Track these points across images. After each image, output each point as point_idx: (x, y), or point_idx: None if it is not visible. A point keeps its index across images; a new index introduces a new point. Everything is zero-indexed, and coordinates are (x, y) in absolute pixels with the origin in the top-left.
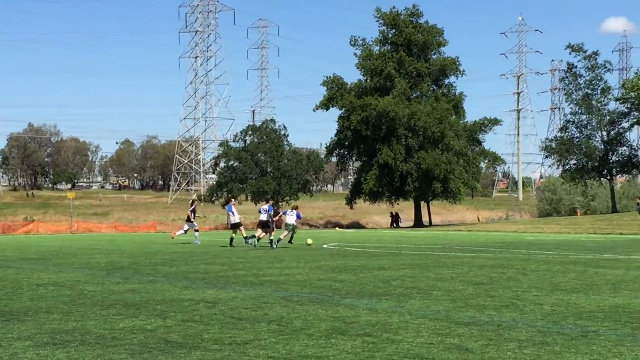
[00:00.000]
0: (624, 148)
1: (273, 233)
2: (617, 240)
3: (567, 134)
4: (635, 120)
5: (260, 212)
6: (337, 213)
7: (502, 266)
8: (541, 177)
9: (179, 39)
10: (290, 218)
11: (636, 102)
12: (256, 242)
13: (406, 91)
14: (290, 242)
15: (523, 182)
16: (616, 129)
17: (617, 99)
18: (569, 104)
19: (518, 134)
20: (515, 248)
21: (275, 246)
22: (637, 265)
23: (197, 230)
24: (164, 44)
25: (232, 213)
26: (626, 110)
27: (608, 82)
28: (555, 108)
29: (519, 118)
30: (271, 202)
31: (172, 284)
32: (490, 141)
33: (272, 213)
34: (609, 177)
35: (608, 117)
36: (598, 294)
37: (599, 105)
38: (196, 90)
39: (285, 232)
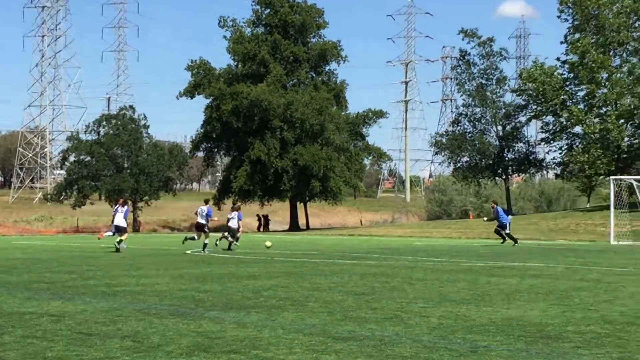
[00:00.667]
0: (521, 144)
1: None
2: (511, 246)
3: (459, 128)
4: (533, 114)
5: (197, 214)
6: None
7: (386, 275)
8: (431, 175)
9: (23, 15)
10: (233, 221)
11: (534, 94)
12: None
13: (282, 78)
14: (229, 248)
15: (411, 181)
16: (512, 124)
17: (513, 90)
18: (462, 95)
19: (406, 128)
20: (401, 254)
21: (206, 251)
22: (532, 273)
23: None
24: (6, 20)
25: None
26: (523, 103)
27: (504, 72)
28: (446, 99)
29: (406, 110)
30: (210, 203)
31: (11, 294)
32: (375, 135)
33: (210, 216)
34: (504, 177)
35: (504, 110)
36: (490, 306)
37: (494, 96)
38: (43, 73)
39: (220, 236)
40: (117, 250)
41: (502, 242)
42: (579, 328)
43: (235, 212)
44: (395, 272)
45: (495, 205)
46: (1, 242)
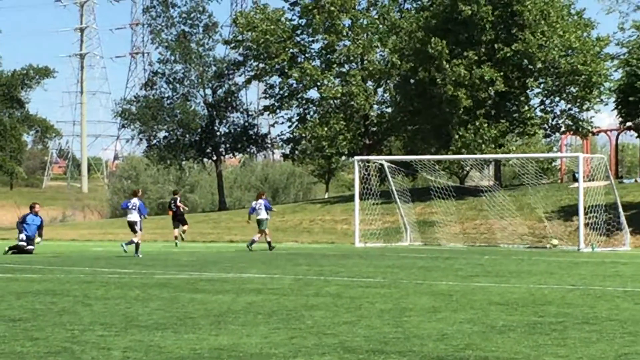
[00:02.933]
0: (237, 114)
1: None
2: (225, 250)
3: (154, 92)
4: (252, 73)
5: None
6: None
7: (52, 292)
8: (117, 157)
9: None
10: (262, 212)
11: (254, 46)
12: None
13: None
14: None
15: (90, 164)
16: (226, 86)
17: (226, 42)
18: (157, 47)
19: (82, 92)
20: (74, 265)
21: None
22: (251, 287)
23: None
24: None
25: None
26: (240, 59)
27: (214, 16)
28: (137, 53)
29: (83, 67)
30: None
31: None
32: (39, 102)
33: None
34: (215, 158)
35: (214, 68)
36: (193, 332)
37: (200, 50)
38: None
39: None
40: None
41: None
42: (311, 359)
43: (262, 201)
44: (65, 289)
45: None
46: None
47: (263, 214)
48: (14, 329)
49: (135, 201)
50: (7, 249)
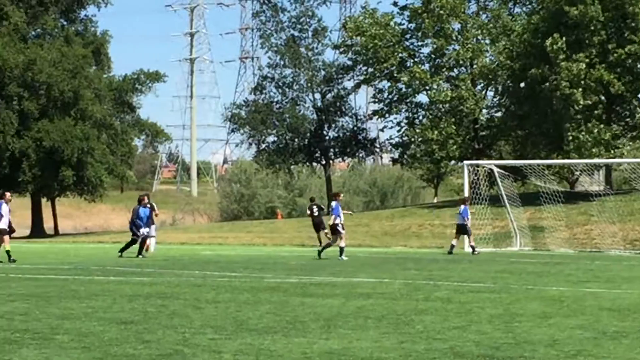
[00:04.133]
0: (346, 119)
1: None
2: (335, 255)
3: (263, 96)
4: (362, 77)
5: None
6: None
7: (163, 296)
8: (226, 161)
9: None
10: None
11: (363, 51)
12: None
13: (21, 27)
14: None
15: (199, 168)
16: (335, 91)
17: (336, 46)
18: (267, 52)
19: (192, 96)
20: (185, 268)
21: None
22: (361, 291)
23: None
24: None
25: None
26: (349, 63)
27: (324, 21)
28: (246, 57)
29: (193, 72)
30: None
31: None
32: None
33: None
34: (324, 162)
35: (323, 73)
36: (304, 335)
37: (309, 54)
38: None
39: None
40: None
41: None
42: None
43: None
44: (176, 292)
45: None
46: None
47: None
48: (126, 332)
49: (333, 204)
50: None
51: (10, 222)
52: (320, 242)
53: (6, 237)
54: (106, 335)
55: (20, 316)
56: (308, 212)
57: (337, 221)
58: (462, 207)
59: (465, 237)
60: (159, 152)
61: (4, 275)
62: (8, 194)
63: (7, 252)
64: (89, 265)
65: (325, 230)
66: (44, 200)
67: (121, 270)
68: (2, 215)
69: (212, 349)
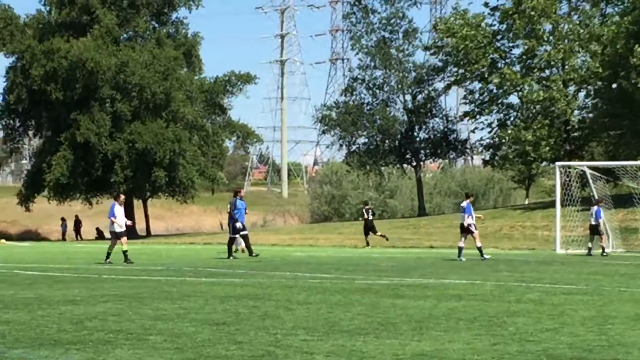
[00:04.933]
0: (437, 120)
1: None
2: (426, 256)
3: (354, 98)
4: (452, 78)
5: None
6: (4, 217)
7: (255, 297)
8: (316, 163)
9: None
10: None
11: (454, 52)
12: None
13: (113, 30)
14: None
15: (290, 170)
16: (426, 92)
17: (426, 48)
18: (357, 54)
19: (282, 98)
20: (276, 269)
21: None
22: (452, 293)
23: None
24: None
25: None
26: (440, 65)
27: (414, 22)
28: (337, 59)
29: (283, 73)
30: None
31: None
32: (241, 108)
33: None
34: (414, 164)
35: (414, 74)
36: (395, 337)
37: (400, 55)
38: None
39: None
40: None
41: None
42: None
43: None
44: (268, 294)
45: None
46: None
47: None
48: (218, 333)
49: (464, 204)
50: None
51: (126, 222)
52: (367, 244)
53: (124, 238)
54: (199, 336)
55: (114, 317)
56: (365, 215)
57: (470, 221)
58: (596, 208)
59: (597, 237)
60: (250, 154)
61: (97, 276)
62: (122, 196)
63: (124, 252)
64: (181, 266)
65: (378, 234)
66: (136, 202)
67: (213, 271)
68: (115, 217)
69: (304, 351)
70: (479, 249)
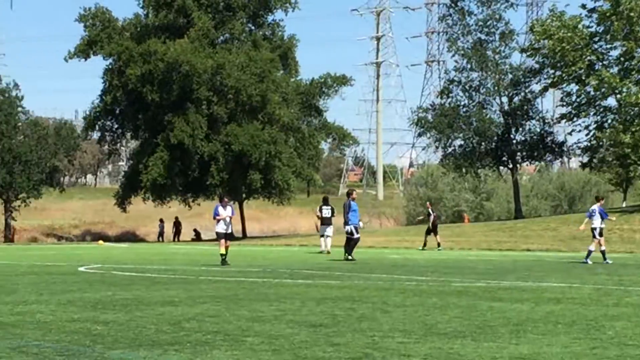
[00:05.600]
0: (533, 122)
1: None
2: (522, 259)
3: (450, 100)
4: (549, 81)
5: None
6: (102, 218)
7: (351, 299)
8: (412, 165)
9: None
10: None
11: (550, 54)
12: None
13: (210, 32)
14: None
15: (385, 172)
16: (522, 94)
17: (523, 50)
18: (453, 56)
19: (378, 100)
20: (372, 272)
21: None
22: (550, 296)
23: None
24: None
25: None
26: (536, 67)
27: (511, 24)
28: (432, 61)
29: (379, 75)
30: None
31: None
32: (337, 110)
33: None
34: (511, 166)
35: (510, 76)
36: (493, 340)
37: (496, 57)
38: None
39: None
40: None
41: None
42: None
43: (596, 206)
44: (364, 296)
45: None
46: None
47: (597, 222)
48: (315, 335)
49: (595, 207)
50: (348, 256)
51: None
52: (425, 244)
53: (223, 241)
54: (296, 338)
55: (211, 318)
56: (432, 216)
57: (596, 224)
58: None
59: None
60: (345, 156)
61: (194, 277)
62: (226, 199)
63: (223, 254)
64: (277, 267)
65: (438, 237)
66: (232, 204)
67: (309, 273)
68: (219, 216)
69: (402, 353)
70: (590, 252)
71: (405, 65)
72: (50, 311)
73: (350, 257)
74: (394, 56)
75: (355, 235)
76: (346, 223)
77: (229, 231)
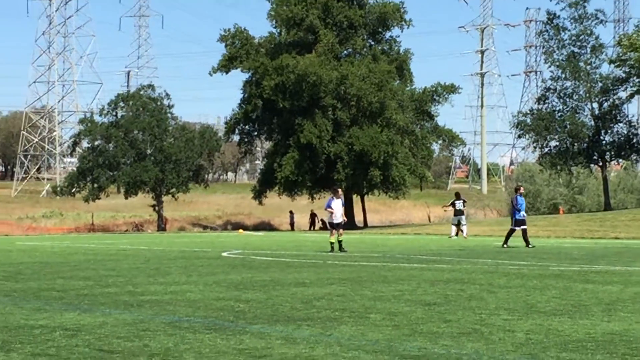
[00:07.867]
0: (621, 125)
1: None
2: (612, 246)
3: (546, 106)
4: (635, 88)
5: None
6: (241, 210)
7: (461, 281)
8: (512, 163)
9: None
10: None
11: (636, 64)
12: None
13: (334, 47)
14: None
15: (488, 169)
16: (610, 100)
17: (611, 61)
18: (549, 67)
19: (482, 106)
20: (479, 257)
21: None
22: (637, 279)
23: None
24: None
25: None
26: (624, 76)
27: (600, 38)
28: (530, 72)
29: (483, 84)
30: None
31: (17, 305)
32: (446, 115)
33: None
34: (600, 164)
35: (600, 84)
36: (587, 318)
37: (588, 68)
38: (50, 43)
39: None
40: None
41: None
42: None
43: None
44: (472, 278)
45: None
46: (4, 243)
47: None
48: (430, 312)
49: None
50: (530, 245)
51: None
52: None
53: (341, 230)
54: (413, 315)
55: (338, 297)
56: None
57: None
58: None
59: None
60: (454, 155)
61: (322, 262)
62: (339, 191)
63: (340, 242)
64: (395, 253)
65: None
66: (355, 197)
67: (423, 258)
68: (332, 209)
69: (506, 329)
70: None
71: (506, 75)
72: (198, 291)
73: (530, 245)
74: (496, 67)
75: (522, 227)
76: (512, 216)
77: (340, 221)
